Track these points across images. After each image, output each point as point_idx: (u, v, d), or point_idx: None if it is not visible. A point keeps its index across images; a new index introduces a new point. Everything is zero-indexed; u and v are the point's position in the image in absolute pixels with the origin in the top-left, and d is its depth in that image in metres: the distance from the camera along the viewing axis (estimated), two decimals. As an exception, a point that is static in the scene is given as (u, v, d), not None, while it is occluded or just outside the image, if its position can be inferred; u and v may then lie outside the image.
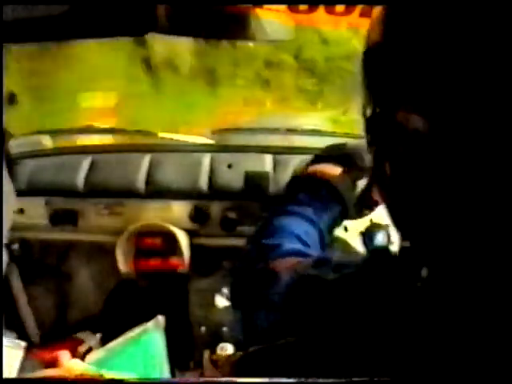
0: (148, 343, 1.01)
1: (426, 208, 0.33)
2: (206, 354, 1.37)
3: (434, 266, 0.34)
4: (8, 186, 0.56)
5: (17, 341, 0.95)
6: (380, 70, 0.34)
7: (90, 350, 1.28)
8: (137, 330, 1.01)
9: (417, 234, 0.35)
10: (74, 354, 0.99)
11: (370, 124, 0.36)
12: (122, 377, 0.74)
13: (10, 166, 0.58)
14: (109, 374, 0.73)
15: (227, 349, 1.28)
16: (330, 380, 0.35)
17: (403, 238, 0.38)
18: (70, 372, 0.68)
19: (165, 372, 1.00)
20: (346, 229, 1.17)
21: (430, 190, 0.32)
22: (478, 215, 0.30)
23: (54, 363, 0.70)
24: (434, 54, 0.30)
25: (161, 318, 1.05)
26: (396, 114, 0.33)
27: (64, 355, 0.71)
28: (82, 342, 1.33)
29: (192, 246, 1.37)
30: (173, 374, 1.39)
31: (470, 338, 0.32)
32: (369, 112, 0.36)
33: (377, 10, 0.36)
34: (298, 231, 0.59)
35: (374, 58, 0.35)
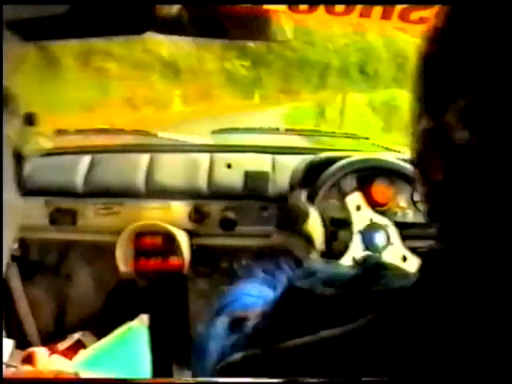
0: (132, 341, 1.03)
1: (475, 217, 0.33)
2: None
3: (470, 270, 0.34)
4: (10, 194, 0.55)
5: (5, 339, 0.95)
6: (440, 78, 0.34)
7: (82, 346, 1.28)
8: (121, 329, 1.02)
9: (462, 243, 0.35)
10: (73, 354, 0.99)
11: (424, 135, 0.36)
12: (125, 376, 0.74)
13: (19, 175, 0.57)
14: (85, 373, 0.73)
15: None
16: (327, 380, 0.35)
17: (444, 243, 0.38)
18: (46, 369, 0.68)
19: (147, 367, 1.02)
20: (358, 208, 1.18)
21: (480, 200, 0.32)
22: None
23: (30, 360, 0.69)
24: (501, 63, 0.30)
25: (144, 317, 1.06)
26: (452, 125, 0.32)
27: (41, 352, 0.70)
28: (81, 341, 1.33)
29: (191, 246, 1.37)
30: (172, 373, 1.40)
31: (470, 343, 0.32)
32: (422, 122, 0.36)
33: (436, 16, 0.35)
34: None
35: (434, 67, 0.35)
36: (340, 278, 0.42)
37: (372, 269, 0.42)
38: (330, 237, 1.15)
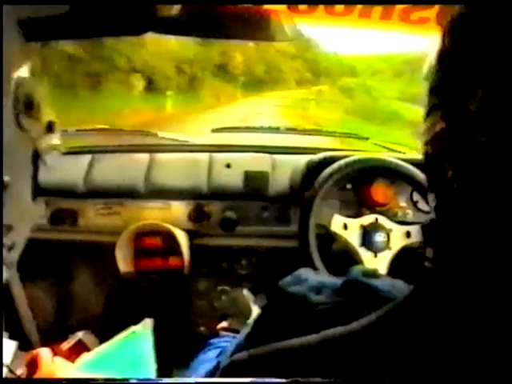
0: (136, 345, 1.03)
1: (488, 220, 0.32)
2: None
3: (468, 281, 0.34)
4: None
5: (8, 340, 0.95)
6: (462, 70, 0.34)
7: (83, 345, 1.28)
8: (125, 333, 1.02)
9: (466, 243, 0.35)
10: (75, 354, 0.99)
11: (441, 135, 0.35)
12: (123, 377, 0.74)
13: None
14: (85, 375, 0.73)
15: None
16: (327, 380, 0.35)
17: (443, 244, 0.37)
18: (52, 371, 0.67)
19: (151, 372, 1.02)
20: (345, 226, 1.17)
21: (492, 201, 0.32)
22: None
23: (34, 362, 0.69)
24: None
25: (148, 321, 1.06)
26: (473, 126, 0.32)
27: (44, 354, 0.69)
28: (82, 342, 1.33)
29: (191, 246, 1.37)
30: (172, 373, 1.39)
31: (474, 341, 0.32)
32: (438, 115, 0.36)
33: (453, 12, 0.35)
34: None
35: (452, 66, 0.35)
36: (326, 288, 0.43)
37: (354, 281, 0.42)
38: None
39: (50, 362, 0.69)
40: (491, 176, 0.31)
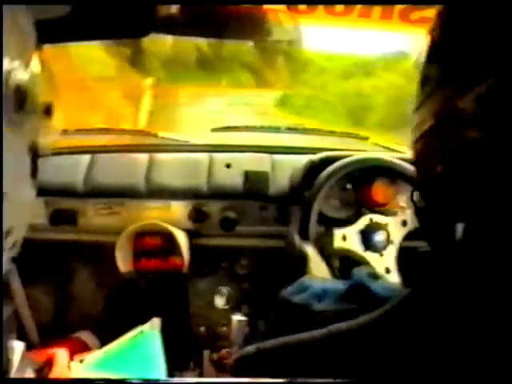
0: (144, 345, 1.02)
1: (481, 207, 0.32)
2: (206, 354, 1.38)
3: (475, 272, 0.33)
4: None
5: (15, 342, 0.95)
6: (455, 63, 0.33)
7: (85, 347, 1.28)
8: (133, 333, 1.02)
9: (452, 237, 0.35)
10: (73, 354, 0.99)
11: (431, 121, 0.35)
12: (122, 377, 0.74)
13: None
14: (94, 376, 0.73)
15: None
16: (325, 380, 0.35)
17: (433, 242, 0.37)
18: (65, 373, 0.68)
19: (161, 372, 1.01)
20: (344, 238, 1.17)
21: (484, 190, 0.31)
22: None
23: (50, 362, 0.69)
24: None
25: (156, 320, 1.06)
26: (466, 111, 0.31)
27: (61, 354, 0.70)
28: (81, 341, 1.33)
29: (191, 246, 1.37)
30: (172, 374, 1.40)
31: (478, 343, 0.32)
32: (429, 107, 0.35)
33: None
34: None
35: (447, 53, 0.34)
36: (330, 294, 0.43)
37: (357, 286, 0.42)
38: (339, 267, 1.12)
39: (66, 365, 0.70)
40: (481, 172, 0.31)
